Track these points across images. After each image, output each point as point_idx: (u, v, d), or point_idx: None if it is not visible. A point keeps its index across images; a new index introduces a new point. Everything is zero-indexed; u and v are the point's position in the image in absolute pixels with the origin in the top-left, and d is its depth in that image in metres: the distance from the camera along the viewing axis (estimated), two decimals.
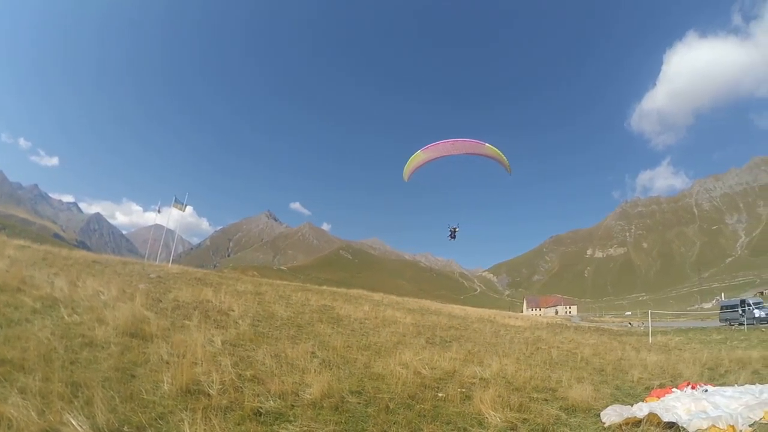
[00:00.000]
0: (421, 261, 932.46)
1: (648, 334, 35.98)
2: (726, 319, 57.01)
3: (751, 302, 55.45)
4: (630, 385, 12.88)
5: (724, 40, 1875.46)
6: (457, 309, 57.20)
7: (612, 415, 8.46)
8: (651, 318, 45.92)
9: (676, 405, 8.77)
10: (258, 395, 7.71)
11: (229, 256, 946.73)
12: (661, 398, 9.84)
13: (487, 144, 22.00)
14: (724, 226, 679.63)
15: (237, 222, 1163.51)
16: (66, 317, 11.00)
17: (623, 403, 9.87)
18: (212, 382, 7.81)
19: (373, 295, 44.01)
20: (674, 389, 10.87)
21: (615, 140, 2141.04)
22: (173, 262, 44.30)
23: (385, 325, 21.34)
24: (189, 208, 47.07)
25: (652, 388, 11.69)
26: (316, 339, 14.26)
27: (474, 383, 10.73)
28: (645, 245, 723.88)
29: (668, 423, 7.83)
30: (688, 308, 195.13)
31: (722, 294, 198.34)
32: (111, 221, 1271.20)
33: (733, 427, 7.50)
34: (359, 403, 8.22)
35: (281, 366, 9.87)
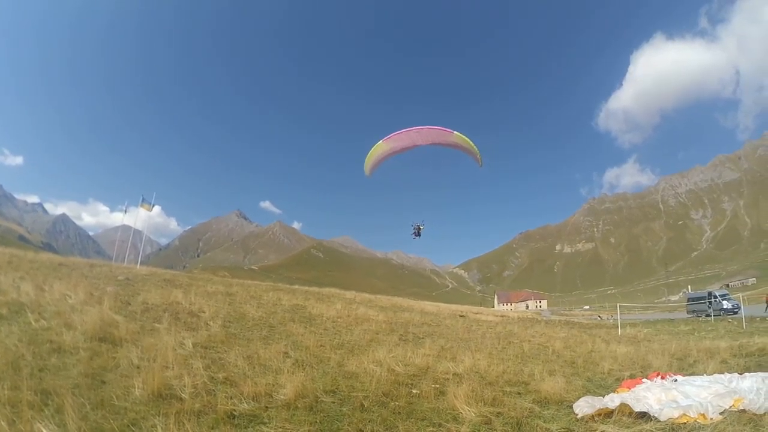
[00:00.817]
0: (392, 258, 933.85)
1: (617, 327, 36.55)
2: (693, 311, 58.39)
3: (717, 294, 56.91)
4: (601, 376, 13.00)
5: (691, 43, 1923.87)
6: (429, 305, 57.46)
7: (584, 406, 8.56)
8: (620, 311, 46.73)
9: (646, 395, 8.90)
10: (231, 398, 7.63)
11: (198, 256, 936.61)
12: (632, 389, 9.96)
13: (455, 132, 20.92)
14: (690, 221, 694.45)
15: (206, 221, 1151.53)
16: (33, 323, 10.78)
17: (595, 394, 9.97)
18: (184, 386, 7.70)
19: (345, 293, 43.99)
20: (644, 380, 11.03)
21: (582, 139, 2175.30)
22: (141, 263, 43.63)
23: (357, 323, 21.31)
24: (157, 208, 46.45)
25: (623, 379, 11.84)
26: (288, 339, 14.17)
27: (448, 379, 10.78)
28: (612, 240, 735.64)
29: (640, 413, 7.96)
30: (656, 301, 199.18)
31: (689, 287, 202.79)
32: (77, 222, 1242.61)
33: (703, 415, 7.65)
34: (334, 403, 8.20)
35: (254, 367, 9.79)
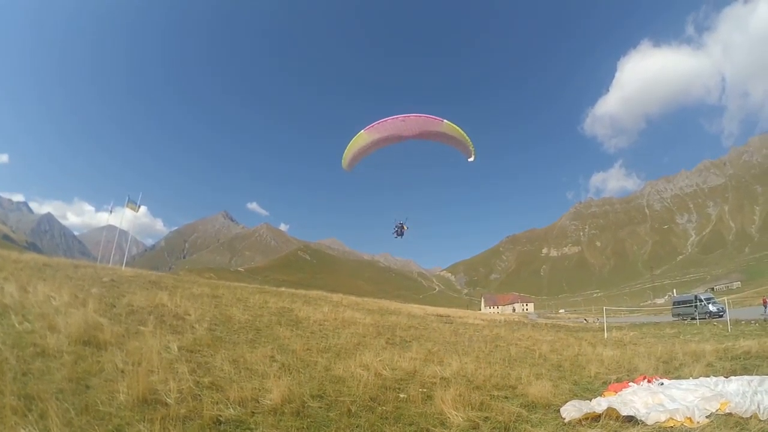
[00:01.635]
0: (380, 261, 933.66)
1: (603, 330, 36.75)
2: (679, 314, 58.83)
3: (703, 298, 57.43)
4: (588, 380, 13.05)
5: (677, 50, 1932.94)
6: (416, 308, 57.54)
7: (571, 410, 8.59)
8: (606, 314, 47.04)
9: (633, 399, 8.95)
10: (217, 403, 7.58)
11: (184, 257, 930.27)
12: (619, 392, 10.02)
13: (445, 121, 19.66)
14: (675, 225, 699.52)
15: (192, 222, 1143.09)
16: (17, 325, 10.65)
17: (582, 398, 10.02)
18: (170, 391, 7.65)
19: (332, 296, 43.88)
20: (631, 383, 11.09)
21: (569, 143, 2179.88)
22: (127, 264, 43.43)
23: (344, 326, 21.24)
24: (143, 209, 46.07)
25: (610, 383, 11.89)
26: (275, 342, 14.11)
27: (435, 383, 10.78)
28: (599, 244, 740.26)
29: (627, 417, 8.01)
30: (642, 304, 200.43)
31: (674, 290, 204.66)
32: (62, 222, 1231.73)
33: (690, 419, 7.70)
34: (321, 408, 8.16)
35: (240, 372, 9.74)
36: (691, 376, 12.27)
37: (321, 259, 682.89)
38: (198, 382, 8.59)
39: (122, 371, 8.48)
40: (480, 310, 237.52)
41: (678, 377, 12.32)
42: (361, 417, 7.87)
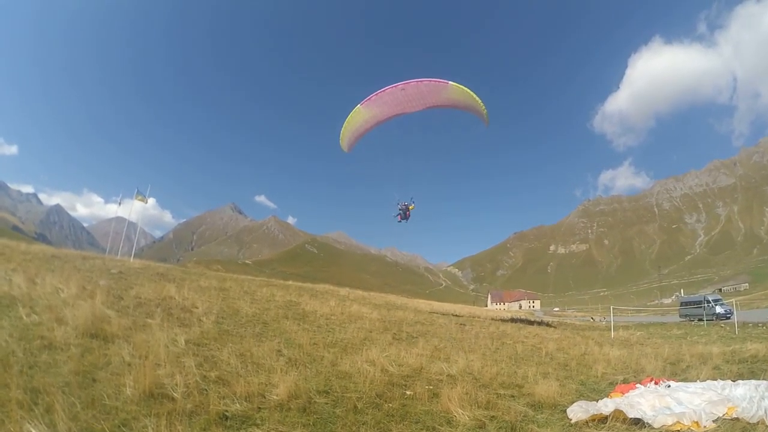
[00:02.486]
0: (386, 255, 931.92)
1: (610, 329, 36.57)
2: (686, 315, 58.40)
3: (710, 299, 56.99)
4: (594, 380, 12.95)
5: (688, 47, 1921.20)
6: (422, 304, 57.50)
7: (578, 411, 8.54)
8: (612, 313, 46.81)
9: (640, 401, 8.88)
10: (223, 398, 7.56)
11: (192, 249, 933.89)
12: (626, 394, 9.94)
13: (451, 83, 17.80)
14: (684, 225, 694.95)
15: (201, 215, 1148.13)
16: (24, 317, 10.65)
17: (588, 398, 9.95)
18: (176, 385, 7.62)
19: (339, 290, 43.89)
20: (638, 385, 10.99)
21: (578, 140, 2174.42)
22: (135, 256, 43.49)
23: (351, 321, 21.20)
24: (151, 200, 46.15)
25: (616, 384, 11.81)
26: (281, 336, 14.07)
27: (441, 380, 10.74)
28: (606, 242, 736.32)
29: (633, 419, 7.95)
30: (648, 303, 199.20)
31: (681, 290, 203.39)
32: (71, 213, 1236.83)
33: (697, 423, 7.63)
34: (327, 404, 8.13)
35: (247, 366, 9.71)
36: (698, 378, 12.16)
37: (328, 253, 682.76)
38: (205, 376, 8.57)
39: (129, 364, 8.47)
40: (486, 306, 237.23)
41: (685, 379, 12.23)
42: (367, 414, 7.84)
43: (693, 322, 50.15)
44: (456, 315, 41.80)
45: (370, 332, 18.55)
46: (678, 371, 14.60)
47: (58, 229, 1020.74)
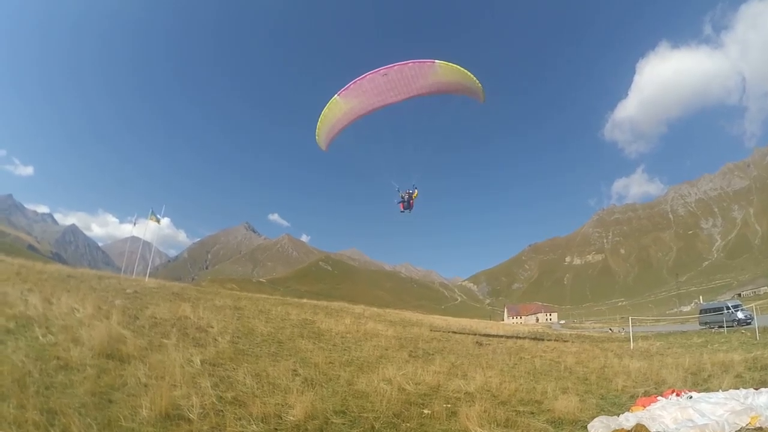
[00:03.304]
0: (401, 271, 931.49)
1: (629, 340, 36.11)
2: (706, 323, 57.51)
3: (730, 305, 56.15)
4: (615, 394, 12.73)
5: (695, 50, 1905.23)
6: (438, 320, 57.27)
7: (599, 427, 8.40)
8: (631, 323, 46.20)
9: (662, 414, 8.73)
10: (240, 419, 7.50)
11: (207, 268, 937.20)
12: (647, 407, 9.78)
13: (437, 62, 16.20)
14: (700, 230, 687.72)
15: (215, 234, 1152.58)
16: (41, 338, 10.68)
17: (609, 413, 9.79)
18: (192, 406, 7.58)
19: (354, 307, 43.89)
20: (659, 397, 10.81)
21: (589, 149, 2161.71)
22: (150, 275, 43.83)
23: (367, 338, 21.13)
24: (166, 220, 46.65)
25: (637, 397, 11.62)
26: (297, 356, 14.03)
27: (459, 398, 10.60)
28: (622, 251, 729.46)
29: None
30: (667, 312, 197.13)
31: (700, 297, 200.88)
32: (87, 233, 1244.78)
33: None
34: (344, 424, 8.04)
35: (263, 386, 9.65)
36: (720, 388, 11.94)
37: (342, 270, 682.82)
38: (221, 397, 8.52)
39: (145, 385, 8.45)
40: (503, 320, 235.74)
41: (706, 389, 12.02)
42: None
43: (713, 330, 49.40)
44: (474, 333, 41.51)
45: (386, 350, 18.46)
46: (699, 381, 14.37)
47: (73, 249, 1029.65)
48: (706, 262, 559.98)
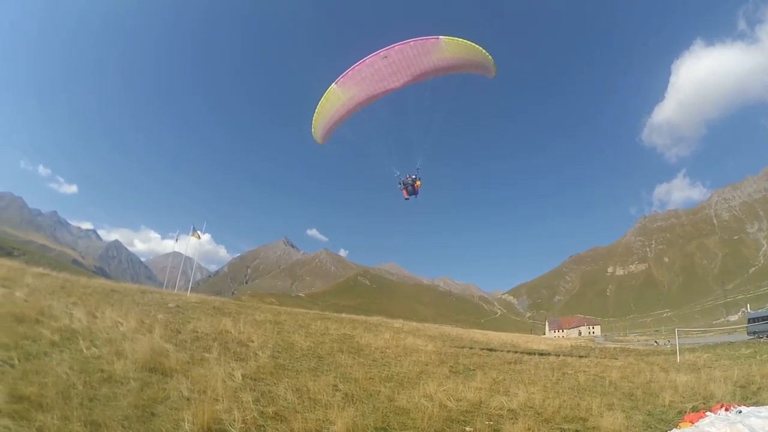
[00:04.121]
0: (439, 285, 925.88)
1: (675, 353, 35.16)
2: (754, 332, 55.50)
3: None
4: (662, 410, 12.42)
5: (731, 47, 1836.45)
6: (478, 334, 56.57)
7: None
8: (677, 335, 44.96)
9: (711, 430, 8.47)
10: None
11: (246, 283, 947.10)
12: (695, 423, 9.52)
13: (442, 38, 14.85)
14: (745, 235, 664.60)
15: (254, 249, 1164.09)
16: (85, 350, 10.88)
17: (656, 430, 9.55)
18: (234, 421, 7.61)
19: (392, 322, 43.73)
20: (708, 412, 10.54)
21: (628, 156, 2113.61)
22: (191, 289, 44.48)
23: (406, 353, 20.99)
24: (206, 236, 47.57)
25: (685, 413, 11.33)
26: (337, 371, 14.00)
27: (502, 415, 10.42)
28: (666, 260, 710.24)
29: None
30: (714, 322, 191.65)
31: (748, 305, 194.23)
32: (129, 248, 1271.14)
33: None
34: None
35: (303, 401, 9.63)
36: None
37: (380, 284, 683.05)
38: (262, 412, 8.53)
39: (187, 399, 8.52)
40: (544, 334, 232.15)
41: (756, 403, 11.65)
42: None
43: (762, 340, 47.69)
44: (517, 351, 40.97)
45: (426, 365, 18.27)
46: (749, 394, 13.96)
47: (116, 264, 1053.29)
48: (753, 268, 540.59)
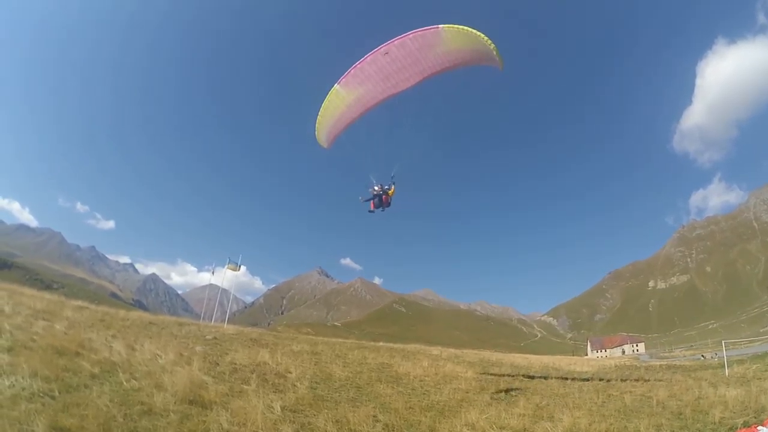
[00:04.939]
0: (476, 309, 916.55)
1: (723, 366, 34.05)
2: None
3: None
4: (712, 427, 12.07)
5: (753, 42, 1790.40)
6: (518, 358, 55.70)
7: None
8: (725, 347, 43.57)
9: None
10: None
11: (282, 313, 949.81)
12: None
13: (442, 27, 14.02)
14: None
15: (289, 279, 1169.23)
16: (124, 383, 11.03)
17: None
18: None
19: (431, 349, 43.34)
20: (759, 427, 10.22)
21: (660, 165, 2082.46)
22: (228, 321, 44.75)
23: (446, 381, 20.73)
24: (242, 268, 47.78)
25: (737, 429, 10.97)
26: (376, 401, 13.89)
27: None
28: (708, 269, 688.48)
29: None
30: (762, 330, 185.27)
31: None
32: (166, 281, 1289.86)
33: None
34: None
35: None
36: None
37: (416, 311, 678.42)
38: None
39: (227, 431, 8.49)
40: (586, 354, 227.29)
41: None
42: None
43: None
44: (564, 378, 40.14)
45: (467, 393, 18.01)
46: None
47: (153, 296, 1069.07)
48: None
